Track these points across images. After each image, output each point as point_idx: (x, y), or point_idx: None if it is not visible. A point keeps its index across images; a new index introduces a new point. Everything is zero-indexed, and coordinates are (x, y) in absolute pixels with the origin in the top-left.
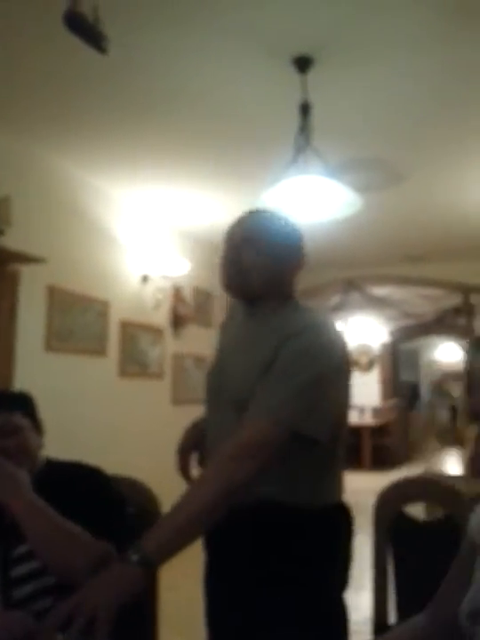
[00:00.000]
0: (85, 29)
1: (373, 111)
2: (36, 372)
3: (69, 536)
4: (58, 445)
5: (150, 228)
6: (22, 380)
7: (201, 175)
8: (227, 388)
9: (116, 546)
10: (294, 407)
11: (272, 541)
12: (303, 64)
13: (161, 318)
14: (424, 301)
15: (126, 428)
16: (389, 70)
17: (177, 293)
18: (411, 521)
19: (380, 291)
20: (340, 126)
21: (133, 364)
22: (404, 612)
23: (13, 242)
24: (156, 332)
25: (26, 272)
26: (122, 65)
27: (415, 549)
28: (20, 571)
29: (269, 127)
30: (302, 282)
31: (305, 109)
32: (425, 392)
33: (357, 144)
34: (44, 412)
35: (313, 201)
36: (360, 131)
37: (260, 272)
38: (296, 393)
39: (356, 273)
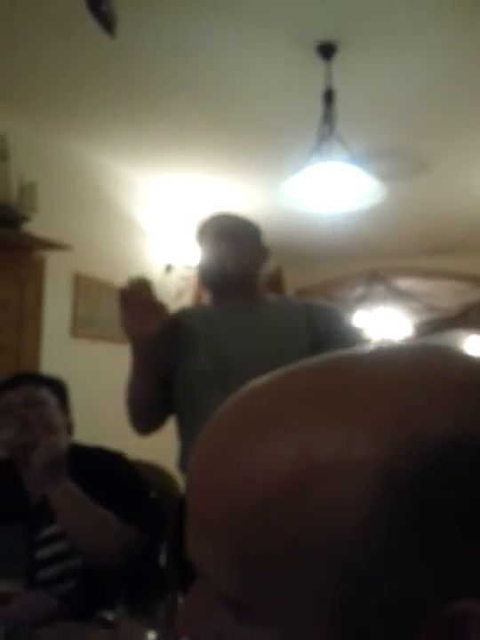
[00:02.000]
0: (103, 12)
1: (398, 99)
2: (62, 357)
3: (100, 521)
4: (82, 429)
5: (174, 216)
6: (49, 366)
7: (224, 163)
8: (254, 365)
9: (140, 528)
10: None
11: None
12: (327, 51)
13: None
14: (449, 295)
15: None
16: (415, 57)
17: (200, 283)
18: None
19: (403, 283)
20: (365, 114)
21: None
22: None
23: (39, 229)
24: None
25: (51, 259)
26: (146, 53)
27: None
28: (45, 553)
29: (293, 115)
30: (325, 273)
31: (329, 97)
32: None
33: (382, 132)
34: (70, 395)
35: (336, 190)
36: (385, 119)
37: (236, 263)
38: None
39: (379, 264)
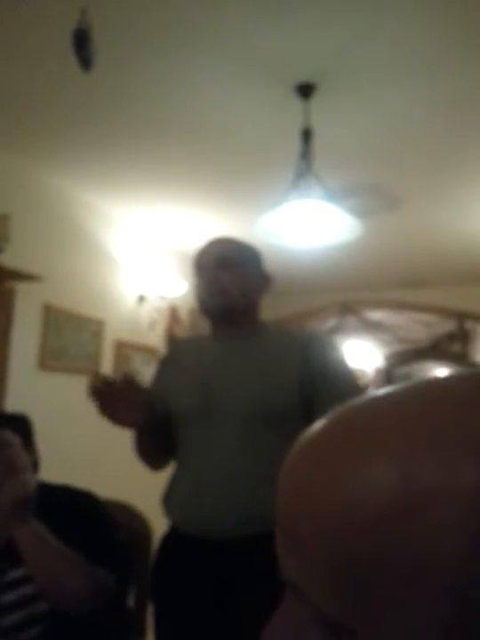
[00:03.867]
0: (85, 52)
1: (375, 137)
2: (29, 390)
3: (67, 562)
4: (50, 464)
5: (148, 248)
6: (15, 398)
7: (200, 197)
8: (236, 405)
9: (109, 569)
10: None
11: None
12: (306, 91)
13: (156, 339)
14: (419, 327)
15: (119, 448)
16: (392, 97)
17: (173, 314)
18: None
19: (375, 315)
20: (341, 152)
21: None
22: None
23: (11, 259)
24: (150, 352)
25: (22, 290)
26: (126, 87)
27: None
28: (9, 597)
29: (270, 151)
30: (297, 304)
31: (307, 135)
32: None
33: (358, 169)
34: (37, 429)
35: (313, 225)
36: (361, 156)
37: (239, 290)
38: (359, 392)
39: (352, 296)
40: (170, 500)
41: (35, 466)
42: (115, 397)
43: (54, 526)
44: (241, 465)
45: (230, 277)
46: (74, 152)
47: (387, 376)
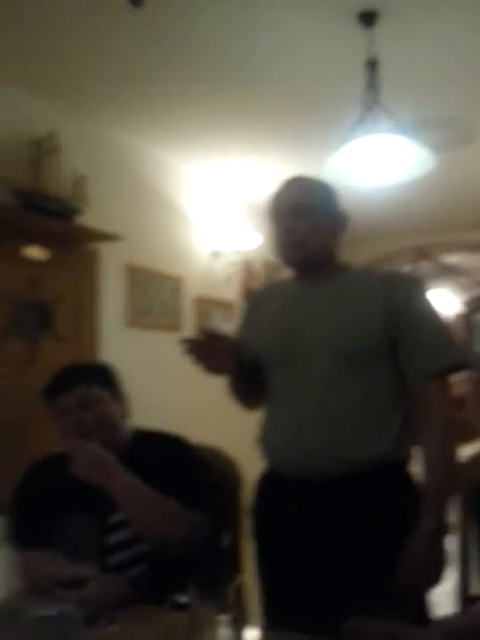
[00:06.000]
0: None
1: (445, 66)
2: (119, 347)
3: (162, 509)
4: (139, 417)
5: (220, 202)
6: (107, 356)
7: (267, 144)
8: (323, 344)
9: (202, 510)
10: (454, 345)
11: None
12: (368, 19)
13: (232, 293)
14: None
15: (203, 402)
16: (460, 23)
17: (248, 268)
18: None
19: (451, 259)
20: (410, 83)
21: None
22: None
23: (90, 221)
24: (227, 307)
25: (104, 250)
26: (189, 39)
27: None
28: (115, 538)
29: (336, 87)
30: (369, 251)
31: (372, 66)
32: None
33: (428, 101)
34: (128, 383)
35: (383, 161)
36: (431, 87)
37: (316, 239)
38: (446, 335)
39: (426, 240)
40: (264, 442)
41: (125, 414)
42: (206, 348)
43: (150, 469)
44: (331, 403)
45: (306, 226)
46: (143, 109)
47: (467, 323)
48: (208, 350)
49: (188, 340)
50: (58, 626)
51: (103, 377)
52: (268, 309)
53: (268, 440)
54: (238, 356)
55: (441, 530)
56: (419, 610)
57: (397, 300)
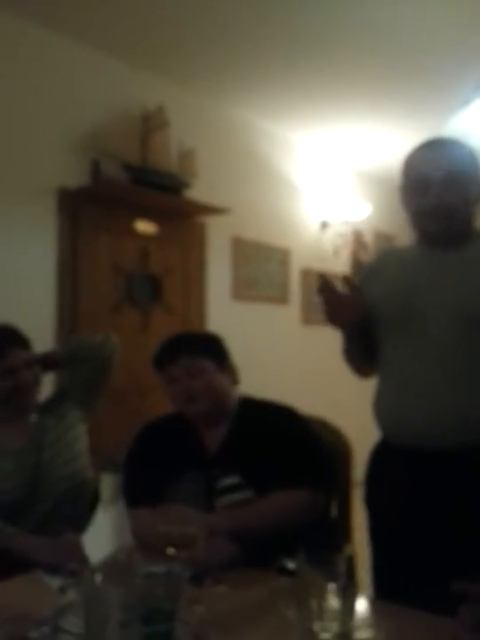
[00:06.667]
0: None
1: None
2: (225, 318)
3: (273, 516)
4: (245, 389)
5: (329, 171)
6: (214, 327)
7: (380, 109)
8: (444, 309)
9: (312, 486)
10: None
11: None
12: None
13: (341, 265)
14: None
15: (309, 374)
16: None
17: (357, 238)
18: None
19: None
20: None
21: (315, 311)
22: None
23: (199, 194)
24: (336, 278)
25: (211, 223)
26: (297, 4)
27: None
28: (224, 501)
29: (455, 46)
30: None
31: None
32: None
33: None
34: (235, 355)
35: None
36: None
37: (465, 211)
38: None
39: None
40: (380, 410)
41: (234, 380)
42: (337, 296)
43: (258, 438)
44: (452, 370)
45: (459, 199)
46: (250, 80)
47: None
48: (337, 298)
49: (326, 280)
50: (166, 582)
51: (209, 347)
52: (387, 275)
53: (382, 408)
54: (362, 316)
55: None
56: None
57: None
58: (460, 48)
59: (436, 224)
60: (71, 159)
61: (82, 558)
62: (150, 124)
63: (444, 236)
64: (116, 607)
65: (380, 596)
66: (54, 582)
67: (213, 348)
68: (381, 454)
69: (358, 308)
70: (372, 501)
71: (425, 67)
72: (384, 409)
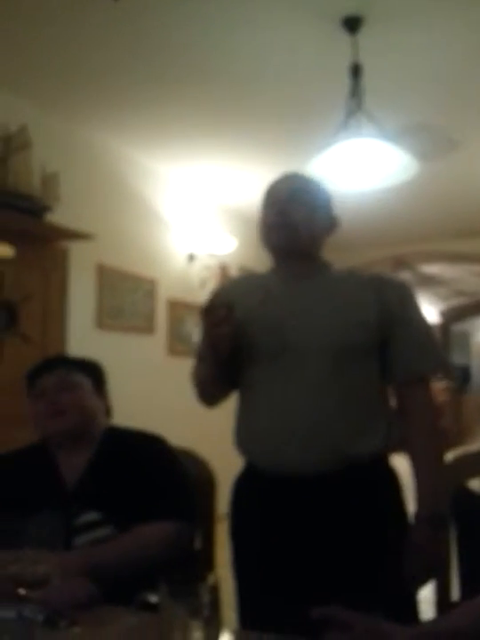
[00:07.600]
0: None
1: (427, 73)
2: (88, 348)
3: (136, 551)
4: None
5: (196, 205)
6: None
7: (246, 148)
8: (315, 340)
9: (177, 518)
10: (441, 350)
11: (382, 491)
12: (352, 24)
13: (207, 297)
14: (477, 279)
15: (175, 405)
16: (443, 29)
17: (223, 272)
18: (473, 496)
19: (430, 269)
20: (393, 89)
21: (181, 342)
22: (468, 589)
23: (61, 218)
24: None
25: (74, 249)
26: (169, 39)
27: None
28: (83, 539)
29: (319, 92)
30: (349, 259)
31: (356, 71)
32: (476, 374)
33: (410, 108)
34: None
35: (365, 166)
36: (413, 94)
37: (308, 228)
38: (434, 338)
39: (405, 250)
40: (246, 439)
41: (107, 411)
42: (219, 319)
43: (123, 466)
44: (323, 400)
45: (301, 213)
46: (119, 109)
47: (444, 333)
48: (219, 322)
49: (210, 305)
50: (16, 628)
51: (90, 369)
52: (249, 303)
53: (248, 437)
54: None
55: (436, 517)
56: (407, 611)
57: (390, 299)
58: (324, 93)
59: (281, 237)
60: None
61: None
62: (11, 144)
63: (290, 253)
64: None
65: (246, 627)
66: None
67: (94, 371)
68: (247, 482)
69: (232, 334)
70: (235, 530)
71: (290, 109)
72: (255, 435)
